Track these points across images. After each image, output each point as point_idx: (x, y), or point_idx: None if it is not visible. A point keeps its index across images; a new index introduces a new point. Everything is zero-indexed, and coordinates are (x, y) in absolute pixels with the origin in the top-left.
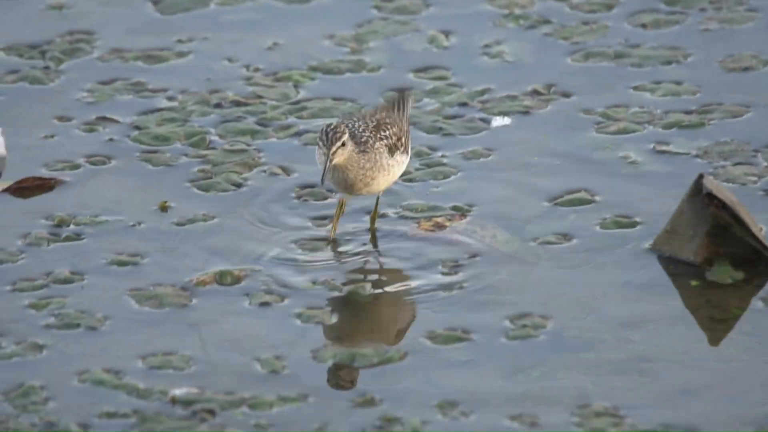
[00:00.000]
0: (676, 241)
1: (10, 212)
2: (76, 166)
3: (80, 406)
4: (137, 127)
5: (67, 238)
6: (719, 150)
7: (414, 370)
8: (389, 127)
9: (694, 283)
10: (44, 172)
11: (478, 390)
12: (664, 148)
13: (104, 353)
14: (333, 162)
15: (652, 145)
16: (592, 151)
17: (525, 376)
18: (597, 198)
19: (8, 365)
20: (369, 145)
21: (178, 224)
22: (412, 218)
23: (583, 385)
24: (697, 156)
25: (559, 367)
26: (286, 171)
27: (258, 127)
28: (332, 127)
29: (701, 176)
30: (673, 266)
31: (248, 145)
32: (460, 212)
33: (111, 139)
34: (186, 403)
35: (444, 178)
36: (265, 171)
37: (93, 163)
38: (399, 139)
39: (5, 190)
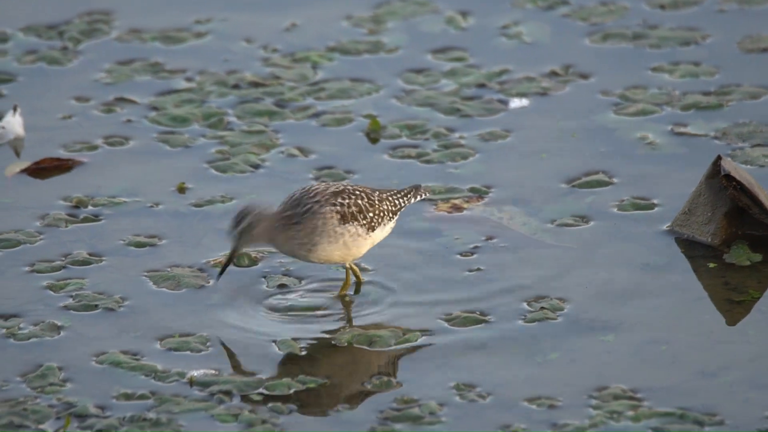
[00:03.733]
0: (694, 223)
1: (28, 193)
2: (94, 147)
3: (98, 388)
4: (155, 108)
5: (85, 219)
6: (737, 131)
7: (431, 352)
8: (357, 198)
9: (711, 264)
10: (62, 153)
11: (496, 372)
12: (682, 129)
13: (122, 334)
14: (234, 257)
15: (670, 127)
16: (610, 132)
17: (543, 358)
18: (615, 180)
19: (26, 346)
20: (311, 211)
21: (196, 205)
22: (429, 200)
23: (601, 367)
24: (715, 137)
25: (577, 349)
26: (304, 152)
27: (276, 108)
28: (235, 214)
29: (719, 158)
30: (691, 248)
31: (266, 126)
32: (478, 194)
33: (129, 120)
34: (204, 384)
35: (462, 159)
36: (282, 152)
37: (111, 144)
38: (362, 212)
39: (23, 171)
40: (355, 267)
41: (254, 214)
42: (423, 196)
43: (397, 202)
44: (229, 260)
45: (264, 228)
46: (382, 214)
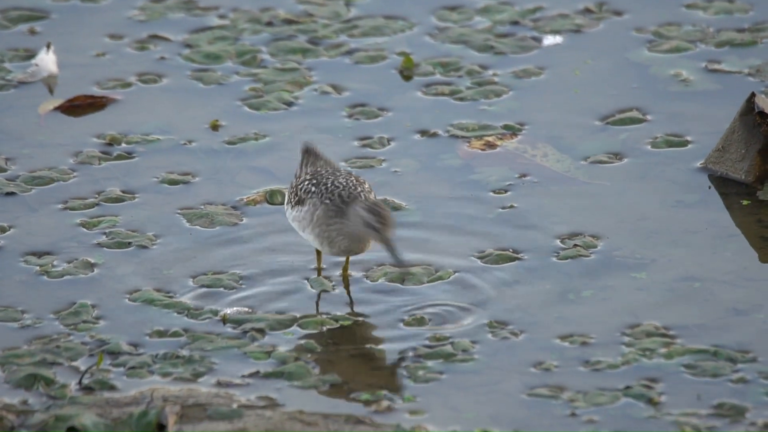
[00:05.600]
0: (728, 160)
1: (61, 130)
2: (128, 85)
3: (131, 325)
4: (188, 46)
5: (119, 157)
6: None
7: (463, 290)
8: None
9: (745, 202)
10: (96, 91)
11: (529, 310)
12: (716, 66)
13: (155, 272)
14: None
15: (704, 64)
16: (644, 69)
17: (576, 295)
18: (648, 117)
19: (60, 284)
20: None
21: (229, 143)
22: (462, 137)
23: (634, 304)
24: (749, 74)
25: (610, 286)
26: (337, 89)
27: (309, 46)
28: (381, 206)
29: (753, 95)
30: (725, 185)
31: (299, 63)
32: (512, 131)
33: (162, 58)
34: (237, 322)
35: (495, 96)
36: (316, 90)
37: (144, 82)
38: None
39: (57, 108)
40: None
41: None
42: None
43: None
44: (397, 254)
45: None
46: None
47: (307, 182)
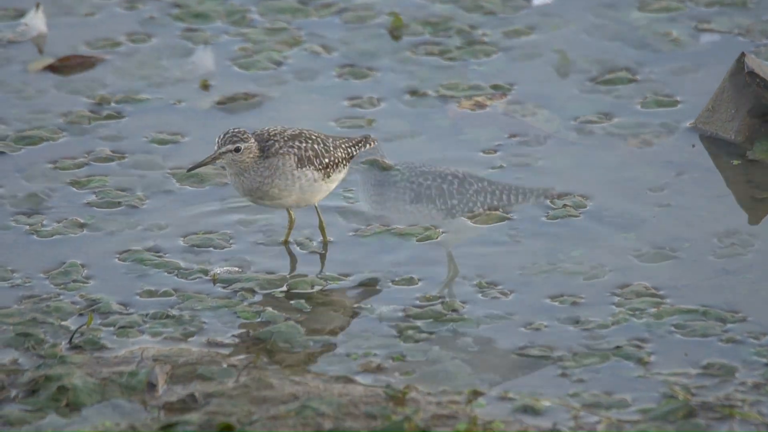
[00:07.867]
0: (718, 120)
1: (51, 90)
2: (117, 44)
3: (121, 285)
4: (178, 5)
5: (108, 116)
6: (762, 28)
7: (453, 250)
8: (312, 143)
9: (735, 162)
10: (85, 50)
11: (519, 269)
12: (705, 26)
13: (145, 232)
14: (210, 163)
15: (694, 24)
16: (634, 29)
17: (565, 255)
18: (638, 77)
19: (50, 243)
20: (272, 151)
21: (219, 103)
22: (452, 97)
23: (624, 265)
24: (739, 34)
25: (600, 246)
26: (327, 49)
27: (299, 6)
28: (236, 130)
29: (743, 55)
30: (715, 145)
31: (289, 23)
32: (501, 91)
33: (152, 17)
34: (227, 281)
35: (485, 57)
36: (305, 49)
37: (134, 41)
38: (317, 157)
39: (47, 68)
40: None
41: (248, 144)
42: (371, 146)
43: (349, 150)
44: (203, 165)
45: (248, 160)
46: (336, 161)
47: None
